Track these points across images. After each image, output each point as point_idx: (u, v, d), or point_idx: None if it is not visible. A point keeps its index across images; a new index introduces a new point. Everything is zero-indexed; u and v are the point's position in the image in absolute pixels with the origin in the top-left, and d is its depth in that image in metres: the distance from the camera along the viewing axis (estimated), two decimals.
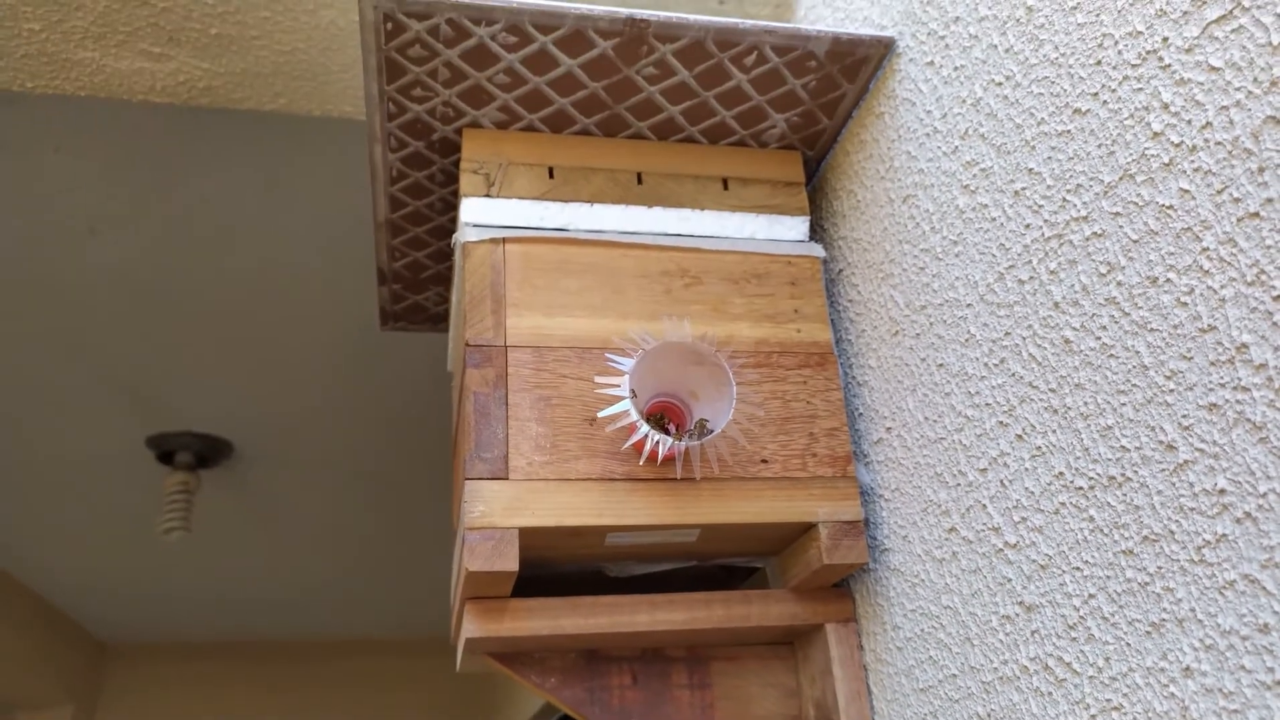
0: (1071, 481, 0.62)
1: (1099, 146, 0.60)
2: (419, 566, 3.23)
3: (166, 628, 3.73)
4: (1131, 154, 0.58)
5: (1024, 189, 0.67)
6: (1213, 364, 0.52)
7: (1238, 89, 0.51)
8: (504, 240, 0.85)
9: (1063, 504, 0.62)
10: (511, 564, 0.73)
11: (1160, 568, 0.54)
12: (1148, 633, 0.55)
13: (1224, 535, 0.50)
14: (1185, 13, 0.54)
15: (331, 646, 4.03)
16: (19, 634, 3.10)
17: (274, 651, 3.99)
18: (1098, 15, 0.61)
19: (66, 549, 2.90)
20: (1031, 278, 0.66)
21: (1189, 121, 0.54)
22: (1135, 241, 0.57)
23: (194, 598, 3.42)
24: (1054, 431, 0.64)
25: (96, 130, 1.39)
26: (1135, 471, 0.57)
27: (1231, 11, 0.51)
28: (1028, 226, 0.67)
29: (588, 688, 0.85)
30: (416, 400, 2.21)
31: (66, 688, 3.47)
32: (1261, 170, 0.49)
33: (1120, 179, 0.59)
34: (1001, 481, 0.69)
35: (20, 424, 2.21)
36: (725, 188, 0.93)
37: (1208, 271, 0.52)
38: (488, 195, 0.87)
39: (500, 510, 0.75)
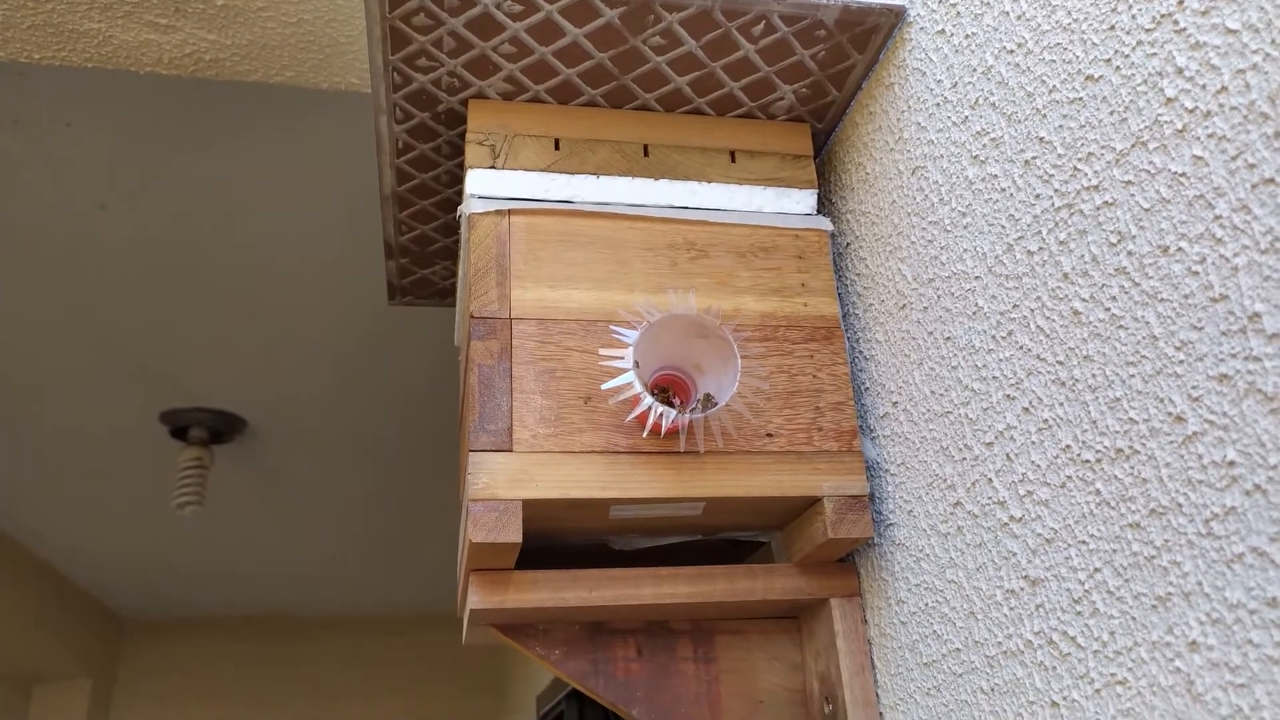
0: (1078, 455, 0.61)
1: (1111, 114, 0.59)
2: (430, 542, 3.25)
3: (183, 603, 3.77)
4: (1144, 120, 0.57)
5: (1034, 158, 0.66)
6: (1224, 334, 0.51)
7: (1255, 51, 0.49)
8: (509, 212, 0.85)
9: (1069, 477, 0.62)
10: (515, 536, 0.73)
11: (1167, 541, 0.54)
12: (1153, 606, 0.54)
13: (1233, 508, 0.50)
14: None
15: (345, 622, 4.07)
16: (36, 609, 3.14)
17: (288, 627, 4.02)
18: None
19: (82, 524, 2.93)
20: (1041, 249, 0.65)
21: (1204, 86, 0.53)
22: (1146, 210, 0.56)
23: (209, 573, 3.45)
24: (1061, 404, 0.63)
25: (106, 104, 1.39)
26: (1143, 444, 0.56)
27: None
28: (1038, 196, 0.66)
29: (592, 660, 0.85)
30: (429, 377, 2.21)
31: (84, 662, 3.51)
32: (1278, 135, 0.48)
33: (1132, 146, 0.57)
34: (1008, 455, 0.68)
35: (34, 400, 2.23)
36: (733, 160, 0.92)
37: (1220, 240, 0.51)
38: (493, 167, 0.86)
39: (504, 482, 0.75)
